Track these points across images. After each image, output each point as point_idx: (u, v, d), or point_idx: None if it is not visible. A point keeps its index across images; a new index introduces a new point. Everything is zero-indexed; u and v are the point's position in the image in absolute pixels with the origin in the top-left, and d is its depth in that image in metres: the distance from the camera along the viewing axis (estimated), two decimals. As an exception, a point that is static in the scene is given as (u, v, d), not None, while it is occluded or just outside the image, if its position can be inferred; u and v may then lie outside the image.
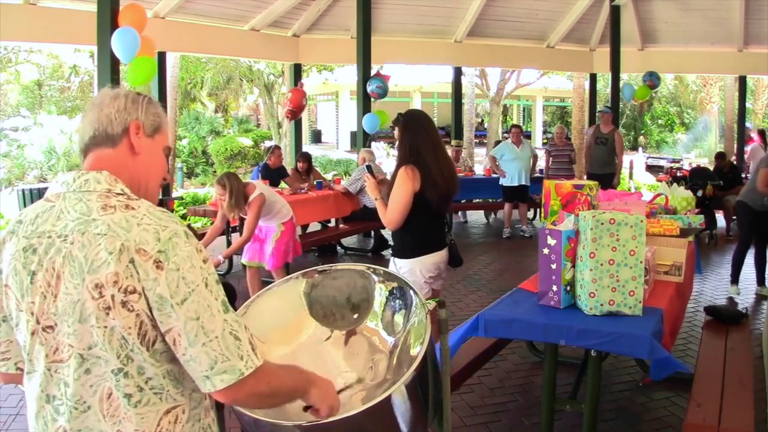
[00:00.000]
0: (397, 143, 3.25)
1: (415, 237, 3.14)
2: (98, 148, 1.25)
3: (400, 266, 3.15)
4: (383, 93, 8.61)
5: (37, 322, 1.16)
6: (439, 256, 3.20)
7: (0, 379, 1.33)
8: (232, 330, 1.15)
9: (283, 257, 4.99)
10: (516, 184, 8.50)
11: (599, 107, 9.83)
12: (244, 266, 5.18)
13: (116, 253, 1.10)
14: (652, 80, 9.98)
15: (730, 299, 5.67)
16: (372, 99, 8.75)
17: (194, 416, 1.23)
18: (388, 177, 3.95)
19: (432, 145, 3.10)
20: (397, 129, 3.20)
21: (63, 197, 1.20)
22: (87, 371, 1.14)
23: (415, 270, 3.11)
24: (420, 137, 3.10)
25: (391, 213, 3.10)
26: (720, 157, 9.42)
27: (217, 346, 1.13)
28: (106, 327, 1.11)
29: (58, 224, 1.16)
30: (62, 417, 1.16)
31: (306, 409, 1.45)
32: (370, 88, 8.57)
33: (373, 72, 9.06)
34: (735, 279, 5.83)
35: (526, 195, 8.66)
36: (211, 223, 8.03)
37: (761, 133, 12.14)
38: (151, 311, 1.12)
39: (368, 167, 3.59)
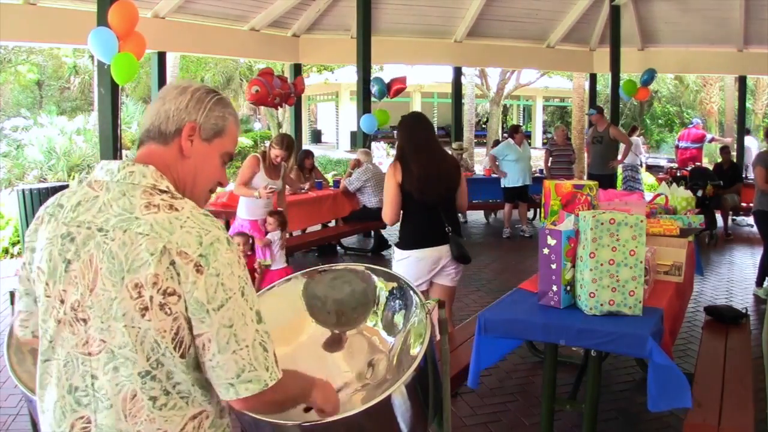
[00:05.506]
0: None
1: (406, 230, 3.44)
2: (151, 143, 1.24)
3: (395, 256, 3.48)
4: (378, 97, 8.71)
5: (66, 312, 1.15)
6: (435, 252, 3.37)
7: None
8: (262, 341, 1.15)
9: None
10: (520, 184, 8.51)
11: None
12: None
13: (157, 254, 1.10)
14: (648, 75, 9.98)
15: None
16: (372, 99, 8.78)
17: (216, 423, 1.23)
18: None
19: (414, 147, 3.38)
20: None
21: (106, 188, 1.18)
22: (115, 369, 1.13)
23: (404, 261, 3.37)
24: (404, 138, 3.46)
25: (384, 208, 3.43)
26: (725, 151, 9.46)
27: (247, 355, 1.13)
28: (140, 328, 1.11)
29: (99, 216, 1.15)
30: (86, 408, 1.15)
31: (307, 410, 1.45)
32: (372, 89, 8.67)
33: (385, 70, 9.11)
34: (759, 282, 5.84)
35: (526, 195, 8.68)
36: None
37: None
38: (188, 314, 1.12)
39: None
